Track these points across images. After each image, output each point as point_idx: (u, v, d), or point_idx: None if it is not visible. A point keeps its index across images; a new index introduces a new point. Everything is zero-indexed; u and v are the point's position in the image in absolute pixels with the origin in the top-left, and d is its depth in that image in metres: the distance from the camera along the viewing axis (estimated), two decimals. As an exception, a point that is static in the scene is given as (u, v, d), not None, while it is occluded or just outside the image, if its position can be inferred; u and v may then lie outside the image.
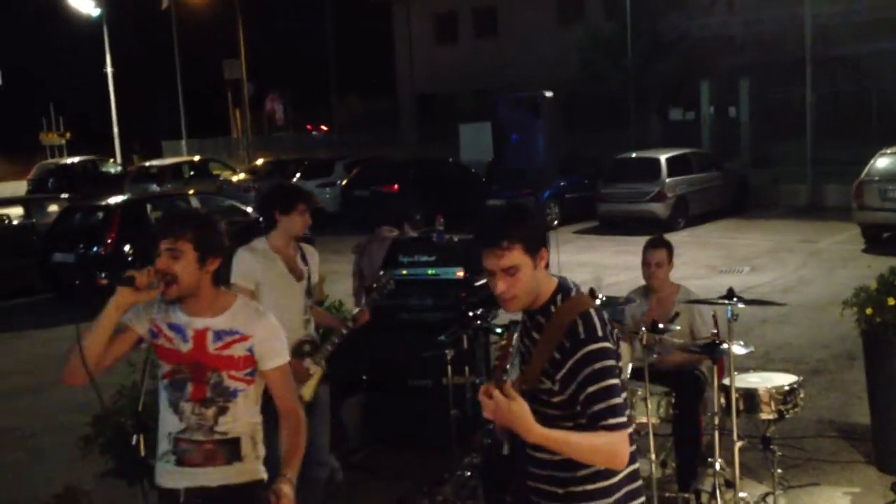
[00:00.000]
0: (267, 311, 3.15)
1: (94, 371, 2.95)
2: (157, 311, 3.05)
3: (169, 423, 3.07)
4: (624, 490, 2.70)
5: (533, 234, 2.69)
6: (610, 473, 2.67)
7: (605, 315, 2.70)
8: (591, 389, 2.56)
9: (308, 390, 4.51)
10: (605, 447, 2.53)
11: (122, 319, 3.00)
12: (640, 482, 2.77)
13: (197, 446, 3.03)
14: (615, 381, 2.59)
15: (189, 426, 3.03)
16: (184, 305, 3.04)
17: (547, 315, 2.68)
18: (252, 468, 3.10)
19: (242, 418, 3.07)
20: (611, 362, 2.60)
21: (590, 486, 2.67)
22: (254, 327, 3.04)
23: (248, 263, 4.61)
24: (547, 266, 2.75)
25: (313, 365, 4.61)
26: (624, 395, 2.62)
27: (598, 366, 2.57)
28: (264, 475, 3.13)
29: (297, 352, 4.56)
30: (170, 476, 3.08)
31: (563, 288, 2.73)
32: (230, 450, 3.05)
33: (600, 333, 2.62)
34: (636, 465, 2.74)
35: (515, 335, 2.68)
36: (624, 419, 2.57)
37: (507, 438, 2.78)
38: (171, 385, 3.06)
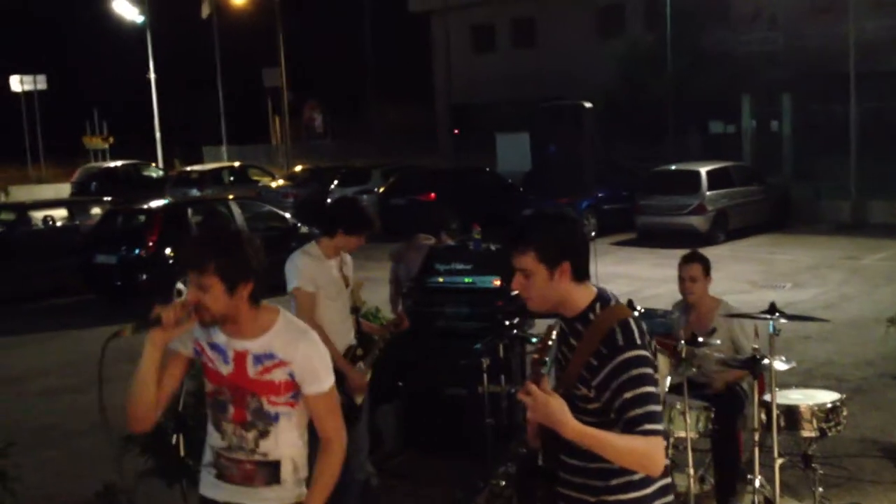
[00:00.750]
0: (310, 330, 2.99)
1: (155, 415, 2.94)
2: (200, 329, 2.95)
3: (213, 437, 3.03)
4: (661, 500, 2.70)
5: (550, 245, 2.69)
6: (644, 484, 2.66)
7: (644, 325, 2.70)
8: (627, 395, 2.56)
9: (360, 396, 4.59)
10: (642, 449, 2.52)
11: (169, 346, 2.92)
12: (671, 497, 2.75)
13: (237, 465, 2.96)
14: (652, 388, 2.59)
15: (230, 445, 2.97)
16: (223, 327, 2.92)
17: (585, 322, 2.69)
18: (291, 493, 2.99)
19: (285, 441, 2.95)
20: (648, 370, 2.60)
21: (623, 497, 2.66)
22: (294, 352, 2.89)
23: (310, 269, 4.73)
24: (588, 277, 2.75)
25: (365, 369, 4.71)
26: (660, 404, 2.62)
27: (634, 372, 2.57)
28: (305, 498, 3.01)
29: (350, 356, 4.62)
30: (212, 487, 3.05)
31: (602, 297, 2.74)
32: (270, 472, 2.96)
33: (638, 342, 2.63)
34: (669, 480, 2.73)
35: (555, 330, 2.71)
36: (660, 427, 2.57)
37: (541, 446, 2.78)
38: (213, 405, 3.00)
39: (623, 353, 2.59)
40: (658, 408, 2.58)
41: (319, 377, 2.93)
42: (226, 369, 2.93)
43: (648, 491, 2.67)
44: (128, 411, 2.89)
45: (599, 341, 2.61)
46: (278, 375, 2.90)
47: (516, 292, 2.80)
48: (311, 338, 2.95)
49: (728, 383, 5.21)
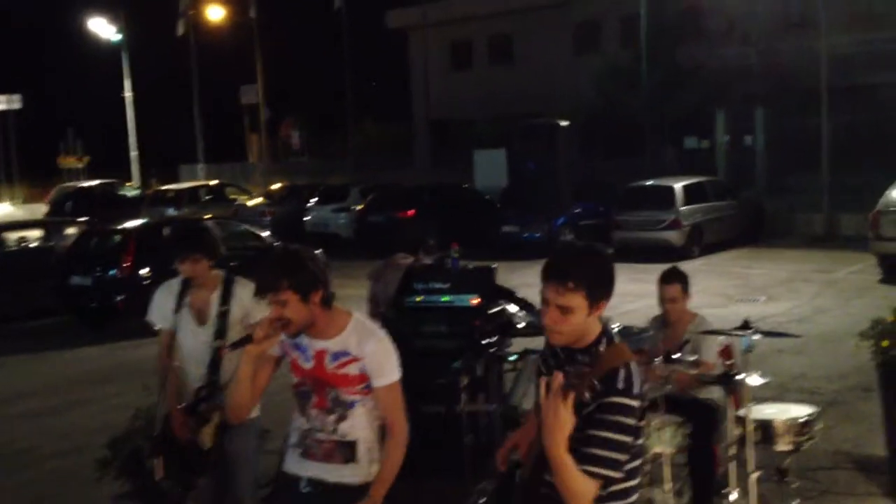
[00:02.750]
0: (379, 329, 3.44)
1: (249, 410, 3.66)
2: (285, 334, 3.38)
3: (299, 421, 3.47)
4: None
5: (600, 284, 2.70)
6: (626, 494, 2.72)
7: (643, 375, 2.77)
8: (598, 433, 2.61)
9: (207, 436, 4.26)
10: (580, 491, 2.58)
11: None
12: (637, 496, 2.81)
13: (319, 444, 3.40)
14: (627, 439, 2.63)
15: (314, 427, 3.41)
16: (305, 331, 3.37)
17: (589, 356, 2.71)
18: (366, 470, 3.39)
19: (361, 424, 3.38)
20: (632, 421, 2.65)
21: None
22: (364, 349, 3.33)
23: (160, 300, 4.59)
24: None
25: (212, 412, 4.32)
26: (628, 454, 2.65)
27: (618, 418, 2.62)
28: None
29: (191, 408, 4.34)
30: (296, 464, 3.47)
31: (607, 333, 2.78)
32: (347, 451, 3.38)
33: (636, 391, 2.66)
34: (640, 493, 2.79)
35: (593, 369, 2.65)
36: (605, 474, 2.60)
37: (527, 463, 2.85)
38: (298, 394, 3.45)
39: (617, 397, 2.63)
40: (618, 457, 2.62)
41: (385, 372, 3.36)
42: (308, 365, 3.39)
43: (630, 500, 2.75)
44: (229, 405, 3.64)
45: (600, 378, 2.62)
46: (352, 370, 3.34)
47: (546, 324, 2.73)
48: (380, 336, 3.40)
49: (690, 385, 5.20)
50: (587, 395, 2.61)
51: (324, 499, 3.41)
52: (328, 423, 3.39)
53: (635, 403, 2.65)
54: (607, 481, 2.63)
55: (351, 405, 3.37)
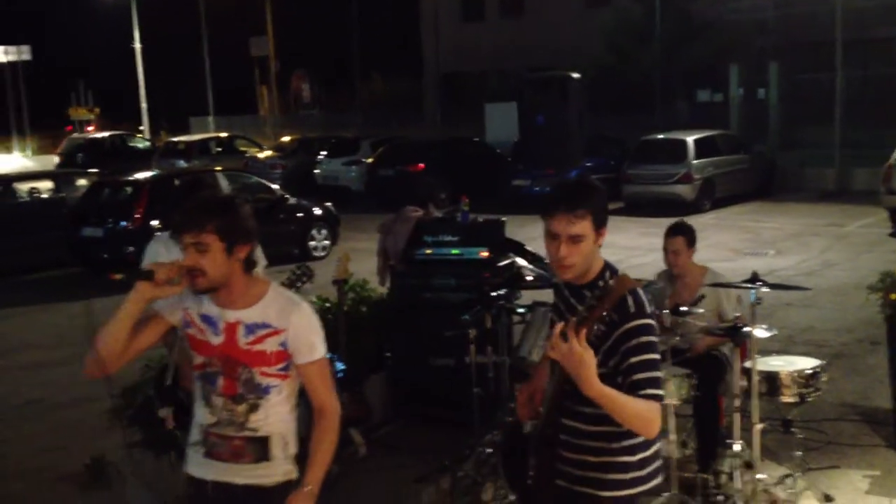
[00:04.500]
0: (302, 301, 3.00)
1: (117, 364, 2.86)
2: (191, 300, 2.93)
3: (201, 414, 2.99)
4: (653, 465, 2.88)
5: (602, 209, 2.82)
6: (644, 447, 2.82)
7: (649, 294, 2.83)
8: (634, 360, 2.69)
9: None
10: (645, 413, 2.64)
11: (155, 307, 2.91)
12: (660, 461, 2.93)
13: (226, 441, 2.94)
14: (656, 356, 2.74)
15: (220, 420, 2.94)
16: (215, 296, 2.89)
17: (594, 289, 2.75)
18: (281, 469, 2.98)
19: (275, 416, 2.94)
20: (654, 338, 2.75)
21: (626, 458, 2.82)
22: (287, 319, 2.89)
23: (152, 255, 4.51)
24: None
25: None
26: (661, 371, 2.75)
27: (643, 339, 2.71)
28: (295, 475, 3.01)
29: None
30: (199, 466, 3.01)
31: (611, 267, 2.88)
32: (259, 448, 2.94)
33: (647, 310, 2.75)
34: (660, 444, 2.92)
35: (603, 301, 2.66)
36: (661, 392, 2.71)
37: (543, 412, 2.89)
38: (202, 377, 2.97)
39: (633, 321, 2.71)
40: (660, 374, 2.73)
41: (313, 345, 2.94)
42: (216, 340, 2.91)
43: (648, 454, 2.85)
44: (94, 350, 2.82)
45: (611, 308, 2.67)
46: (270, 345, 2.89)
47: (560, 257, 2.78)
48: (304, 307, 2.96)
49: (708, 347, 5.29)
50: (601, 326, 2.67)
51: None
52: (237, 415, 2.91)
53: (651, 321, 2.75)
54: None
55: (265, 391, 2.91)
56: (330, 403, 2.98)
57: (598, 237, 2.80)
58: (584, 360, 2.55)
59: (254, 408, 2.91)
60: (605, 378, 2.66)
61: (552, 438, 2.86)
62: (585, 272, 2.84)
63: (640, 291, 2.78)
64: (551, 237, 2.79)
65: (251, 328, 2.89)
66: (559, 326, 2.60)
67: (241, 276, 2.89)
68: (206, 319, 2.93)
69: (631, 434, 2.75)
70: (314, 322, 2.97)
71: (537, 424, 2.93)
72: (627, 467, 2.82)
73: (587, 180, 2.91)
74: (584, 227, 2.75)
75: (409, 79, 41.98)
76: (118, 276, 2.89)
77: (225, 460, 2.95)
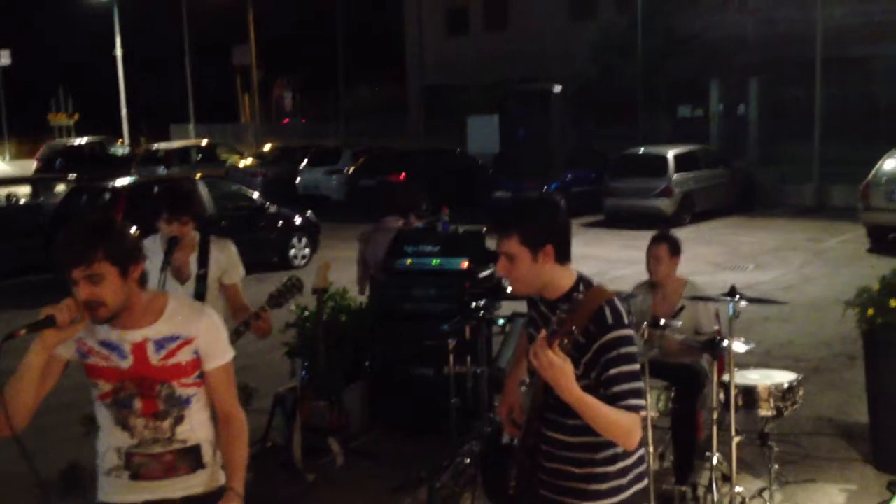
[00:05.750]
0: (205, 306, 2.99)
1: (27, 419, 2.79)
2: (83, 331, 2.79)
3: (117, 438, 2.88)
4: (634, 472, 2.87)
5: (532, 230, 2.78)
6: (625, 456, 2.82)
7: (627, 305, 2.82)
8: (614, 371, 2.68)
9: None
10: (625, 424, 2.64)
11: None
12: (645, 466, 2.93)
13: (155, 459, 2.86)
14: (636, 367, 2.73)
15: (143, 441, 2.85)
16: (115, 320, 2.77)
17: (570, 303, 2.74)
18: (214, 477, 2.97)
19: (199, 424, 2.92)
20: (634, 349, 2.74)
21: (610, 468, 2.81)
22: (196, 327, 2.85)
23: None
24: (570, 260, 2.85)
25: None
26: (642, 381, 2.75)
27: (623, 350, 2.70)
28: (223, 480, 2.99)
29: None
30: (125, 491, 2.90)
31: (585, 279, 2.86)
32: (192, 459, 2.91)
33: (625, 321, 2.75)
34: (643, 451, 2.89)
35: (574, 314, 2.65)
36: (642, 402, 2.70)
37: (517, 425, 2.91)
38: (113, 404, 2.85)
39: (611, 332, 2.70)
40: (641, 385, 2.72)
41: (219, 351, 2.92)
42: (125, 363, 2.81)
43: (629, 462, 2.84)
44: (5, 407, 2.70)
45: (588, 320, 2.68)
46: (184, 356, 2.85)
47: (499, 275, 2.89)
48: (209, 312, 2.95)
49: (682, 346, 5.24)
50: (580, 339, 2.66)
51: None
52: (162, 431, 2.84)
53: (630, 332, 2.75)
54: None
55: (187, 402, 2.86)
56: (235, 410, 2.97)
57: (536, 256, 2.77)
58: (562, 370, 2.55)
59: (178, 420, 2.87)
60: (587, 391, 2.67)
61: (533, 449, 2.86)
62: (544, 287, 2.84)
63: (618, 302, 2.77)
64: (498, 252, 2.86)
65: (161, 343, 2.83)
66: (542, 333, 2.60)
67: (139, 294, 2.80)
68: (107, 345, 2.82)
69: (613, 444, 2.75)
70: (220, 325, 2.95)
71: (519, 435, 2.93)
72: (607, 477, 2.82)
73: (523, 199, 2.95)
74: (511, 246, 2.77)
75: (392, 89, 42.06)
76: (22, 333, 2.69)
77: (158, 478, 2.88)
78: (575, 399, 2.60)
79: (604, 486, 2.82)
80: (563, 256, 2.82)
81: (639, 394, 2.69)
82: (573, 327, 2.57)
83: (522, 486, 2.88)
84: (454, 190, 18.36)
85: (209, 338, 2.88)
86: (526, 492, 2.88)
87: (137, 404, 2.83)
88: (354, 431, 6.29)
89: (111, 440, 2.90)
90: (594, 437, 2.73)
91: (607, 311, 2.72)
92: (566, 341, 2.56)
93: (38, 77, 46.07)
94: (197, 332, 2.86)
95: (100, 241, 2.67)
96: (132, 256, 2.75)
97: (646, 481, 2.94)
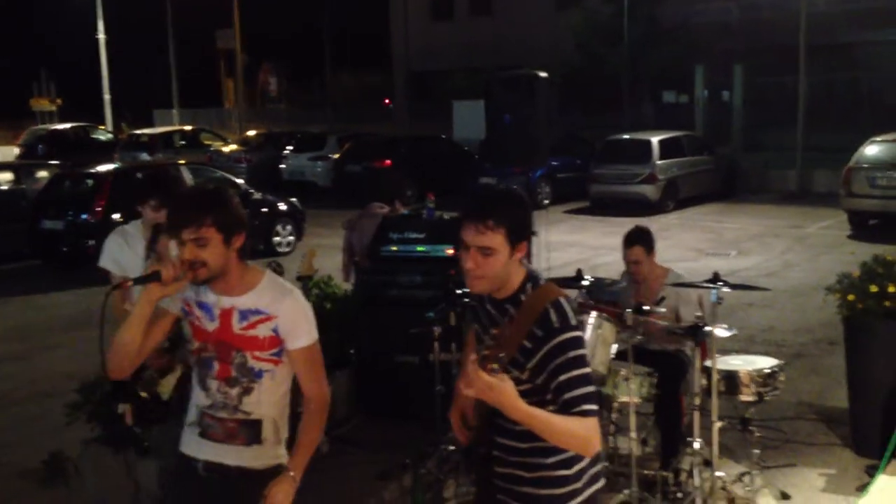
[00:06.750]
0: (295, 288, 3.07)
1: (134, 366, 2.99)
2: (190, 289, 2.99)
3: (198, 396, 3.07)
4: (589, 473, 2.76)
5: (519, 225, 2.65)
6: (579, 458, 2.71)
7: (574, 303, 2.72)
8: (564, 377, 2.56)
9: (166, 387, 4.04)
10: (581, 432, 2.54)
11: (161, 304, 2.96)
12: (600, 465, 2.83)
13: (220, 423, 3.02)
14: (588, 369, 2.60)
15: (215, 403, 3.02)
16: (213, 284, 2.97)
17: (516, 304, 2.67)
18: (272, 453, 3.05)
19: (267, 400, 3.01)
20: (583, 351, 2.62)
21: (562, 472, 2.70)
22: (279, 306, 2.96)
23: (113, 247, 4.45)
24: (529, 255, 2.75)
25: (175, 362, 4.08)
26: (593, 384, 2.63)
27: (572, 354, 2.57)
28: (284, 459, 3.07)
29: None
30: (193, 445, 3.08)
31: (532, 277, 2.71)
32: (251, 432, 3.01)
33: (573, 322, 2.61)
34: (598, 449, 2.74)
35: (505, 329, 2.61)
36: (595, 407, 2.58)
37: (474, 431, 2.84)
38: (198, 362, 3.04)
39: (559, 335, 2.58)
40: (592, 388, 2.59)
41: (304, 331, 3.00)
42: (211, 326, 2.99)
43: (583, 464, 2.73)
44: (108, 358, 2.92)
45: (533, 323, 2.58)
46: (263, 331, 2.97)
47: (467, 270, 2.64)
48: (297, 295, 3.04)
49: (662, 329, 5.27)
50: (525, 343, 2.56)
51: (224, 484, 3.02)
52: (231, 398, 3.00)
53: (578, 333, 2.61)
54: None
55: (259, 375, 2.98)
56: (316, 391, 3.06)
57: (513, 252, 2.63)
58: (501, 390, 2.41)
59: (247, 391, 2.99)
60: (532, 393, 2.57)
61: (486, 455, 2.77)
62: (503, 285, 2.68)
63: (563, 302, 2.63)
64: (463, 246, 2.63)
65: (245, 314, 2.97)
66: (472, 361, 2.45)
67: (238, 264, 2.97)
68: (203, 307, 3.01)
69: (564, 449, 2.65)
70: (306, 308, 3.04)
71: (474, 442, 2.85)
72: (566, 481, 2.70)
73: (508, 191, 2.72)
74: (494, 240, 2.59)
75: (378, 75, 41.90)
76: (129, 284, 2.94)
77: (219, 441, 3.03)
78: (522, 416, 2.48)
79: (558, 491, 2.70)
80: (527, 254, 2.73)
81: (591, 398, 2.56)
82: (502, 354, 2.45)
83: (482, 493, 2.82)
84: (440, 176, 18.33)
85: (290, 318, 2.98)
86: (486, 498, 2.80)
87: (215, 366, 3.00)
88: (339, 418, 6.31)
89: (195, 397, 3.09)
90: (545, 441, 2.59)
91: (553, 314, 2.59)
92: (501, 356, 2.43)
93: (20, 61, 45.63)
94: (278, 311, 2.97)
95: (210, 208, 2.86)
96: (237, 227, 2.92)
97: (603, 481, 2.82)
